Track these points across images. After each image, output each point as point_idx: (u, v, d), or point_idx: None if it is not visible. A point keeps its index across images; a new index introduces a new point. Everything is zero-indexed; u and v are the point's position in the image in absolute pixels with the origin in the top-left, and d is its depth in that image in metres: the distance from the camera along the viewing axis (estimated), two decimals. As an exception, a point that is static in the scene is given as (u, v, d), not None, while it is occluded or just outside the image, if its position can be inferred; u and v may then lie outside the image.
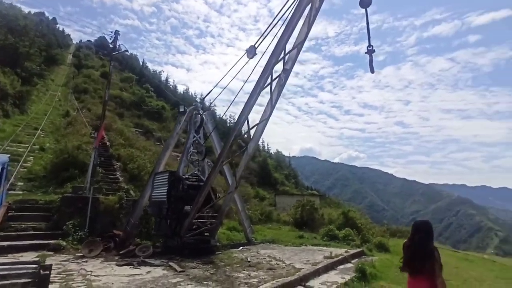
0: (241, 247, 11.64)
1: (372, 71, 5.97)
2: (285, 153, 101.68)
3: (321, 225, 16.95)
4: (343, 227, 15.86)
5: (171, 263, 8.21)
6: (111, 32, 15.67)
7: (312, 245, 12.74)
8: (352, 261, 9.97)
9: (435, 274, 3.27)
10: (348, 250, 11.27)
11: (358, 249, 11.75)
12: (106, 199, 11.83)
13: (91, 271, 7.14)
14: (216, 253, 10.28)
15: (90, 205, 10.84)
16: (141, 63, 76.83)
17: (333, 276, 7.86)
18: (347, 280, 7.51)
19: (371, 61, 5.99)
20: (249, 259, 9.15)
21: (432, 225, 3.61)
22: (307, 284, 6.86)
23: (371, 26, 6.23)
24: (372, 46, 6.03)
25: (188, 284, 6.35)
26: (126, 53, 21.14)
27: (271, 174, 59.50)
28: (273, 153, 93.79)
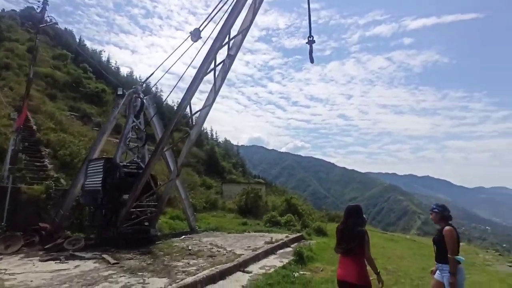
0: (183, 236, 11.41)
1: (312, 61, 6.13)
2: (234, 142, 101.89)
3: (265, 212, 17.38)
4: (286, 213, 16.47)
5: (104, 256, 7.71)
6: (39, 1, 13.79)
7: (255, 232, 13.00)
8: (292, 246, 10.40)
9: (364, 253, 3.50)
10: (289, 235, 11.73)
11: (298, 234, 12.29)
12: (29, 188, 10.61)
13: (5, 269, 6.36)
14: (156, 243, 9.93)
15: (9, 196, 9.63)
16: (77, 40, 69.72)
17: (272, 260, 8.11)
18: (285, 263, 7.80)
19: (311, 52, 6.14)
20: (190, 248, 9.01)
21: (362, 209, 3.82)
22: (246, 269, 6.97)
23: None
24: (313, 37, 6.18)
25: (121, 276, 6.02)
26: (57, 26, 18.91)
27: (219, 163, 59.23)
28: (221, 142, 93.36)
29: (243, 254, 7.96)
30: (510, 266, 9.15)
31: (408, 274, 7.33)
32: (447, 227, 3.99)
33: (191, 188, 22.45)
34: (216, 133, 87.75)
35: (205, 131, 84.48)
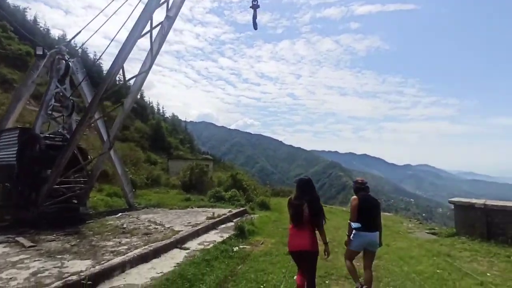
0: (119, 214, 10.66)
1: (255, 28, 5.75)
2: (182, 117, 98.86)
3: (211, 187, 17.12)
4: (231, 188, 16.40)
5: (19, 238, 6.78)
6: None
7: (198, 207, 12.71)
8: (234, 220, 10.33)
9: (318, 224, 3.74)
10: (232, 210, 11.67)
11: (242, 208, 12.30)
12: None
13: None
14: (87, 222, 9.09)
15: None
16: (-7, -7, 59.32)
17: (213, 236, 7.93)
18: (225, 238, 7.68)
19: (255, 17, 5.76)
20: (124, 226, 8.40)
21: (313, 181, 4.00)
22: (184, 246, 6.69)
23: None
24: (257, 1, 5.76)
25: (35, 261, 5.29)
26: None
27: (165, 138, 56.95)
28: (168, 117, 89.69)
29: (182, 231, 7.64)
30: (428, 233, 10.22)
31: (341, 243, 7.70)
32: (352, 197, 4.47)
33: (133, 163, 21.16)
34: (163, 108, 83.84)
35: (151, 105, 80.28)
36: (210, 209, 12.23)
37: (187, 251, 6.39)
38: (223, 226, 9.26)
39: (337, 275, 5.40)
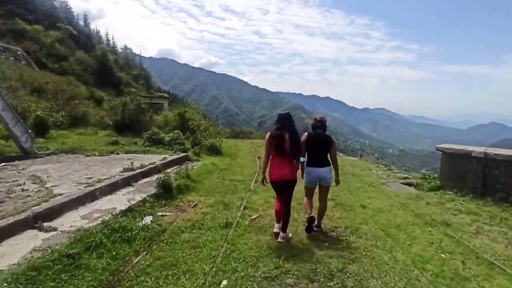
0: (2, 164, 7.67)
1: None
2: (139, 51, 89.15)
3: (152, 129, 14.19)
4: (180, 129, 13.67)
5: None
6: None
7: (126, 153, 9.96)
8: (167, 170, 7.87)
9: (297, 153, 4.07)
10: (167, 157, 9.11)
11: (183, 154, 9.78)
12: None
13: None
14: None
15: None
16: None
17: (118, 199, 5.40)
18: (136, 202, 5.21)
19: None
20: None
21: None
22: (51, 223, 4.09)
23: None
24: None
25: None
26: None
27: (114, 73, 50.58)
28: (120, 50, 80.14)
29: (64, 194, 4.97)
30: (403, 183, 8.61)
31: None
32: (304, 133, 4.41)
33: (66, 100, 17.21)
34: (113, 39, 74.02)
35: (97, 33, 70.11)
36: (141, 155, 9.58)
37: (51, 233, 3.82)
38: (144, 180, 6.75)
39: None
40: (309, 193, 4.48)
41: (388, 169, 12.45)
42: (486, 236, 4.58)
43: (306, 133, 4.42)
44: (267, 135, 4.10)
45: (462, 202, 6.23)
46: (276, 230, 4.19)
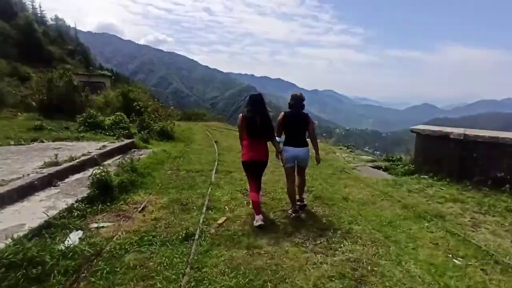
0: None
1: None
2: (75, 24, 79.16)
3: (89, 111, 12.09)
4: (124, 111, 11.81)
5: None
6: None
7: (54, 140, 8.10)
8: (108, 161, 6.39)
9: (270, 134, 4.04)
10: (107, 145, 7.52)
11: (127, 141, 8.22)
12: None
13: None
14: None
15: None
16: None
17: (29, 209, 3.91)
18: (59, 211, 3.80)
19: None
20: None
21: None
22: None
23: None
24: None
25: None
26: None
27: (43, 47, 44.22)
28: (50, 20, 70.52)
29: None
30: (373, 167, 8.17)
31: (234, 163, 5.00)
32: (281, 113, 4.30)
33: None
34: (40, 7, 64.74)
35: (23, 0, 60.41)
36: (74, 143, 7.83)
37: None
38: (75, 177, 5.24)
39: None
40: (290, 174, 4.29)
41: (351, 151, 12.15)
42: (485, 229, 4.09)
43: (283, 113, 4.26)
44: (239, 118, 4.01)
45: (442, 188, 5.83)
46: (259, 223, 3.78)
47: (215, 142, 11.11)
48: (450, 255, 3.31)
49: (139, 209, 4.35)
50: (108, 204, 4.36)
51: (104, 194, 4.47)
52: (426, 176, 6.53)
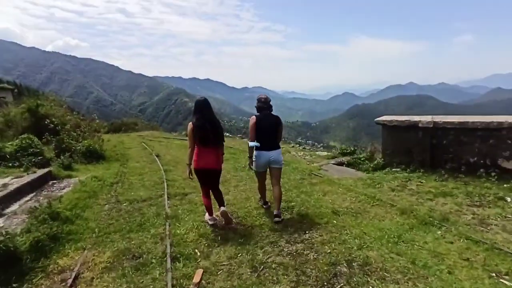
0: None
1: None
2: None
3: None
4: (33, 132, 9.44)
5: None
6: None
7: None
8: (13, 207, 4.63)
9: (221, 142, 4.00)
10: (9, 182, 5.57)
11: (41, 172, 6.32)
12: None
13: None
14: None
15: None
16: None
17: None
18: None
19: None
20: None
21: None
22: None
23: None
24: None
25: None
26: None
27: None
28: None
29: None
30: (335, 164, 7.69)
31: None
32: (251, 117, 4.18)
33: None
34: None
35: None
36: (-42, 185, 5.67)
37: None
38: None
39: None
40: (260, 177, 4.36)
41: (304, 148, 11.73)
42: (495, 226, 3.71)
43: (254, 117, 4.15)
44: (189, 126, 3.86)
45: (421, 181, 5.51)
46: (210, 222, 4.05)
47: (157, 156, 9.59)
48: (493, 274, 2.73)
49: (69, 280, 2.95)
50: (15, 285, 2.86)
51: (6, 271, 2.93)
52: (398, 169, 6.21)
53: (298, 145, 12.39)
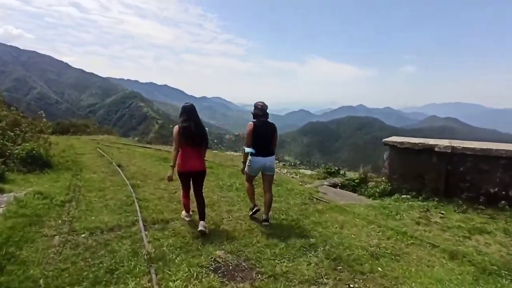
0: None
1: None
2: None
3: None
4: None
5: None
6: None
7: None
8: None
9: (205, 145, 4.09)
10: None
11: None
12: None
13: None
14: None
15: None
16: None
17: None
18: None
19: None
20: None
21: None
22: None
23: None
24: None
25: None
26: None
27: None
28: None
29: None
30: (328, 185, 6.92)
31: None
32: (248, 123, 4.26)
33: None
34: None
35: None
36: None
37: None
38: None
39: None
40: (250, 179, 4.44)
41: (284, 165, 10.90)
42: None
43: (252, 123, 4.24)
44: (175, 129, 3.97)
45: (442, 212, 4.89)
46: (187, 219, 4.26)
47: (118, 166, 8.04)
48: None
49: None
50: None
51: None
52: (408, 196, 5.59)
53: (277, 161, 11.53)
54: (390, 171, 6.06)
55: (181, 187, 4.19)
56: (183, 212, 4.36)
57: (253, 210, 4.39)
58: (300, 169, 9.91)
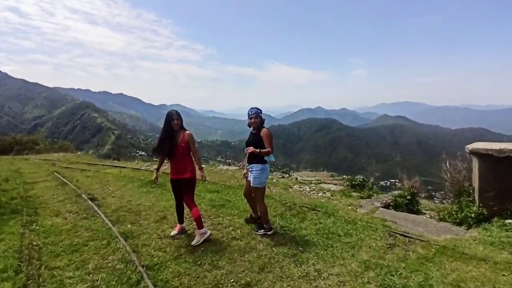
0: None
1: None
2: None
3: None
4: None
5: None
6: None
7: None
8: None
9: (193, 151, 4.09)
10: None
11: None
12: None
13: None
14: None
15: None
16: None
17: None
18: None
19: None
20: None
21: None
22: None
23: None
24: None
25: None
26: None
27: None
28: None
29: None
30: (384, 207, 5.38)
31: None
32: (265, 129, 4.18)
33: None
34: None
35: None
36: None
37: None
38: None
39: None
40: (264, 194, 4.30)
41: (289, 175, 9.20)
42: None
43: (267, 129, 4.21)
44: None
45: None
46: (174, 233, 4.23)
47: (91, 199, 5.80)
48: None
49: None
50: None
51: None
52: (506, 222, 4.14)
53: (286, 175, 9.79)
54: (480, 187, 4.64)
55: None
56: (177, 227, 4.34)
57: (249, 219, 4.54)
58: (319, 182, 8.25)
